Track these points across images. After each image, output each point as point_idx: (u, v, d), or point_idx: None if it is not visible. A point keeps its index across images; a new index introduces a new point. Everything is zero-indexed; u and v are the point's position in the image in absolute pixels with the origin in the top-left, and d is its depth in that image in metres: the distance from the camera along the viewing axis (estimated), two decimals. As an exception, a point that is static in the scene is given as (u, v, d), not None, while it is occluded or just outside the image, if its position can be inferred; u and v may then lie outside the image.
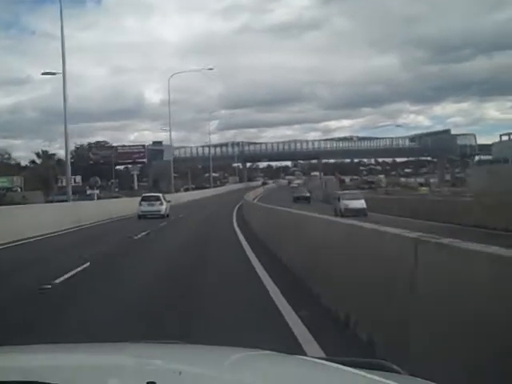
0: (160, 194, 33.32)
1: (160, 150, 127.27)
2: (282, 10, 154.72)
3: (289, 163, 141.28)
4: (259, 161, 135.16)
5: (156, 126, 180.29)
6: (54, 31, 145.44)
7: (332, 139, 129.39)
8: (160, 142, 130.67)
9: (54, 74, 28.97)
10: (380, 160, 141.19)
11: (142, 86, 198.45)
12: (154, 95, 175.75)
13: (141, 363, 1.83)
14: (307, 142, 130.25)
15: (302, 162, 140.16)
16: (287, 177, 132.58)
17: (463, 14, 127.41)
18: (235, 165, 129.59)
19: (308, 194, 50.22)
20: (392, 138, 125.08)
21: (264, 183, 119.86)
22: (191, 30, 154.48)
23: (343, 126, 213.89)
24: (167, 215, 30.48)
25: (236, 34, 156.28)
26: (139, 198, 31.97)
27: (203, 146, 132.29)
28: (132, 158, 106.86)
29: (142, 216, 29.37)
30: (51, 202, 48.38)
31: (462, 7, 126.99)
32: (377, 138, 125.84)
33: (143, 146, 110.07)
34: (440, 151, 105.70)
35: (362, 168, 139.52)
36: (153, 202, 30.72)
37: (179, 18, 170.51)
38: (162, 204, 30.75)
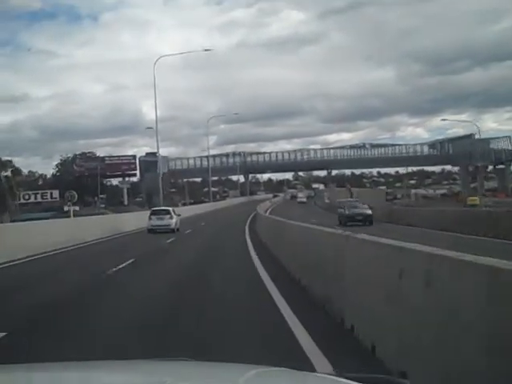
0: (170, 208, 33.17)
1: (154, 162, 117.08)
2: (278, 24, 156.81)
3: (290, 176, 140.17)
4: (263, 172, 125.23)
5: (154, 142, 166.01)
6: (50, 48, 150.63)
7: (342, 147, 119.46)
8: (154, 153, 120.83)
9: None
10: (382, 171, 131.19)
11: (140, 101, 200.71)
12: (151, 111, 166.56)
13: (150, 382, 1.87)
14: (315, 150, 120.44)
15: (302, 174, 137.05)
16: (289, 190, 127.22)
17: (459, 26, 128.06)
18: (235, 177, 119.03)
19: (369, 212, 34.13)
20: (408, 144, 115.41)
21: (275, 195, 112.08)
22: (188, 46, 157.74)
23: (342, 139, 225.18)
24: (177, 229, 30.12)
25: (233, 49, 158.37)
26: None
27: (201, 157, 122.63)
28: (121, 169, 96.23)
29: (151, 230, 29.34)
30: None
31: (458, 19, 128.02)
32: (392, 145, 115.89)
33: (133, 156, 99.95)
34: (465, 157, 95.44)
35: (364, 180, 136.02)
36: (162, 216, 30.52)
37: (176, 34, 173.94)
38: (171, 218, 30.52)
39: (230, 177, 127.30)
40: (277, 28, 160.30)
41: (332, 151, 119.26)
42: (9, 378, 1.83)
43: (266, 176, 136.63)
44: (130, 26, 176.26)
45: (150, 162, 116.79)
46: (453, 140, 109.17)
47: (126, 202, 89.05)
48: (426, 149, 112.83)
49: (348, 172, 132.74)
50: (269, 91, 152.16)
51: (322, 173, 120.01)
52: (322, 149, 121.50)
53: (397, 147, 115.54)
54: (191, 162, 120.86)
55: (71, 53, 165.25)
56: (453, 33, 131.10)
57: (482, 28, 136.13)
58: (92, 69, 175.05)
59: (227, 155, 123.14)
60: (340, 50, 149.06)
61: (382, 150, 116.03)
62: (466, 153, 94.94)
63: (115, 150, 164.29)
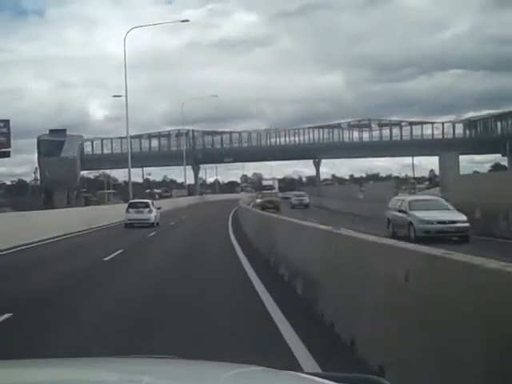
0: (149, 201, 32.01)
1: (59, 143, 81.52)
2: (230, 26, 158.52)
3: (239, 177, 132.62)
4: (219, 161, 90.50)
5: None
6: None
7: (336, 126, 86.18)
8: (64, 131, 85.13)
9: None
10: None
11: (87, 100, 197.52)
12: (98, 110, 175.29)
13: (126, 379, 1.90)
14: (297, 130, 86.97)
15: (251, 176, 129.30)
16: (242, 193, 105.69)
17: (406, 34, 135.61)
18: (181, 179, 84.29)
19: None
20: (436, 122, 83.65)
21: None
22: (137, 44, 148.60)
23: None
24: (157, 223, 28.96)
25: (183, 49, 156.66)
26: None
27: (131, 138, 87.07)
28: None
29: (129, 225, 28.20)
30: None
31: (405, 27, 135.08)
32: (410, 123, 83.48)
33: (5, 122, 62.01)
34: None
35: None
36: (141, 210, 29.21)
37: (124, 32, 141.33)
38: (150, 211, 29.24)
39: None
40: (228, 29, 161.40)
41: (321, 132, 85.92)
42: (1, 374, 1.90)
43: (210, 179, 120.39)
44: (76, 22, 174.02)
45: (53, 142, 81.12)
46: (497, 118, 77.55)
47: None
48: (460, 131, 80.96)
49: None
50: (217, 93, 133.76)
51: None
52: (306, 128, 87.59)
53: (414, 127, 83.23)
54: (117, 144, 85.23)
55: (16, 48, 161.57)
56: (400, 40, 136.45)
57: (428, 37, 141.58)
58: (37, 65, 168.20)
59: (167, 135, 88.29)
60: (290, 53, 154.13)
61: (396, 131, 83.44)
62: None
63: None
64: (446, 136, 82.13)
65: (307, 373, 2.12)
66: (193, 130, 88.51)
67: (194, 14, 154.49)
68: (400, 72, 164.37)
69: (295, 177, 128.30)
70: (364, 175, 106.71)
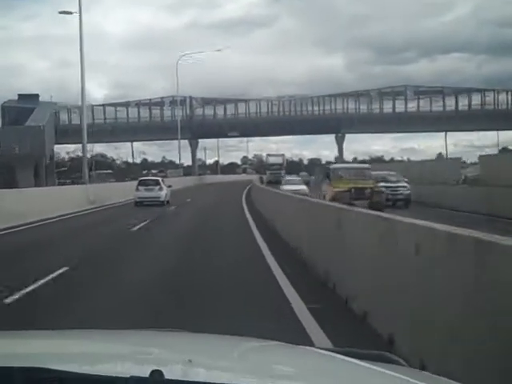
0: (159, 178, 31.59)
1: (29, 110, 67.75)
2: (231, 6, 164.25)
3: (239, 159, 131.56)
4: (225, 135, 76.85)
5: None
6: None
7: (362, 94, 72.50)
8: (35, 96, 71.37)
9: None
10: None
11: (86, 79, 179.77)
12: (97, 90, 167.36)
13: (145, 351, 1.87)
14: (316, 98, 73.22)
15: (251, 158, 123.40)
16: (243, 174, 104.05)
17: (407, 16, 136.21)
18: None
19: None
20: (484, 90, 69.95)
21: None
22: (135, 24, 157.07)
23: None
24: (167, 202, 28.80)
25: (183, 29, 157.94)
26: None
27: (115, 104, 74.03)
28: None
29: (139, 203, 27.80)
30: None
31: (407, 9, 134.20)
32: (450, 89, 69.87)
33: None
34: None
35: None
36: (151, 187, 28.88)
37: (123, 12, 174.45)
38: (161, 189, 28.92)
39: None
40: (229, 9, 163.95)
41: (345, 102, 72.13)
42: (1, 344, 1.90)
43: (210, 160, 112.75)
44: (75, 1, 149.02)
45: (21, 110, 67.40)
46: None
47: None
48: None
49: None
50: (217, 74, 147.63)
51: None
52: (327, 96, 73.64)
53: (463, 96, 69.47)
54: (99, 112, 71.56)
55: (13, 26, 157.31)
56: (401, 23, 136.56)
57: (429, 20, 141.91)
58: (35, 43, 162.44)
59: (161, 104, 74.62)
60: (291, 34, 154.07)
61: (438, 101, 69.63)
62: None
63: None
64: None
65: (320, 348, 2.18)
66: (190, 97, 74.63)
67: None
68: (401, 55, 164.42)
69: (295, 159, 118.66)
70: (367, 158, 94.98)
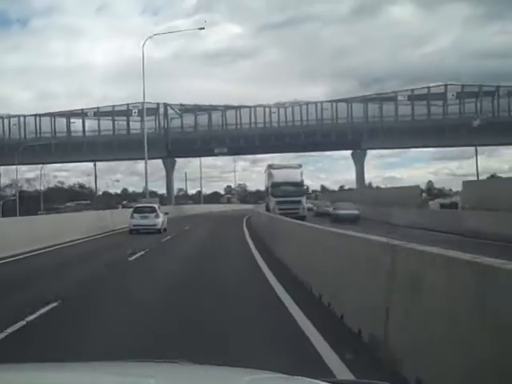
0: (156, 205, 30.33)
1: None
2: (215, 37, 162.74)
3: (222, 189, 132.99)
4: (211, 153, 60.61)
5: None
6: None
7: (392, 97, 57.19)
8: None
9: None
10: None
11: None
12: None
13: (143, 382, 1.94)
14: (320, 104, 57.93)
15: (234, 187, 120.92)
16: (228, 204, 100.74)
17: (389, 47, 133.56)
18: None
19: None
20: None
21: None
22: (122, 55, 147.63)
23: (274, 157, 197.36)
24: (164, 229, 27.89)
25: (168, 60, 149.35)
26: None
27: (71, 114, 58.79)
28: None
29: (134, 231, 27.05)
30: None
31: (388, 41, 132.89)
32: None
33: None
34: None
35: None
36: (147, 215, 27.87)
37: (109, 43, 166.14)
38: (157, 217, 28.04)
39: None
40: (214, 40, 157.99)
41: (364, 109, 56.90)
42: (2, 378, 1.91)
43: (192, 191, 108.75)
44: (60, 32, 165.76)
45: None
46: None
47: None
48: None
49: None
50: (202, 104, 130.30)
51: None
52: (342, 100, 58.31)
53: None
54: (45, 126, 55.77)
55: None
56: (383, 54, 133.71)
57: (410, 51, 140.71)
58: (21, 75, 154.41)
59: (127, 111, 58.93)
60: (275, 65, 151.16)
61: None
62: None
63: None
64: None
65: (322, 380, 2.11)
66: (166, 105, 58.65)
67: (180, 24, 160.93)
68: (383, 84, 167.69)
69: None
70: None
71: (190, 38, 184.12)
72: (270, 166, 40.26)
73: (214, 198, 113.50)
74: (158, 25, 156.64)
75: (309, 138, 56.08)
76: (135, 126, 57.75)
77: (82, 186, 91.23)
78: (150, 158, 45.07)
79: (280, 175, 37.27)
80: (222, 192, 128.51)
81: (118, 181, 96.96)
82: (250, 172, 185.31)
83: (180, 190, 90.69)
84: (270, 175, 38.84)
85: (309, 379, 1.99)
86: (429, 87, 57.60)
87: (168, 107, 57.84)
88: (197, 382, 1.89)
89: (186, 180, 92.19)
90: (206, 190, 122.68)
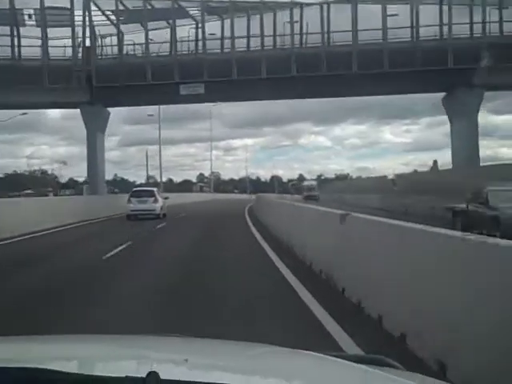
0: (154, 189, 29.98)
1: None
2: None
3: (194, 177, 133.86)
4: (176, 99, 34.95)
5: (56, 141, 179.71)
6: None
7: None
8: None
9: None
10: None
11: None
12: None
13: (142, 354, 1.91)
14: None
15: (208, 176, 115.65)
16: (200, 193, 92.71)
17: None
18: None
19: None
20: None
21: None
22: None
23: (246, 145, 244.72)
24: (164, 215, 27.66)
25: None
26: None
27: None
28: None
29: (132, 216, 26.52)
30: None
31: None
32: None
33: None
34: None
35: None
36: (145, 199, 27.47)
37: None
38: (156, 201, 27.73)
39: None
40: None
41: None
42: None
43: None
44: None
45: None
46: None
47: None
48: None
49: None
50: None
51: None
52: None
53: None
54: None
55: None
56: None
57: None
58: None
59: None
60: None
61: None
62: None
63: (9, 148, 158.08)
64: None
65: (315, 352, 2.11)
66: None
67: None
68: None
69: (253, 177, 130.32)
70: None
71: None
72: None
73: (186, 186, 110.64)
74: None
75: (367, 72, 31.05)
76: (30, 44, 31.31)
77: (43, 172, 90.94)
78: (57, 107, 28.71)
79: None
80: (194, 180, 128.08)
81: (64, 163, 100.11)
82: (223, 161, 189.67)
83: (151, 176, 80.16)
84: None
85: (313, 353, 1.98)
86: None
87: (91, 3, 31.31)
88: (194, 351, 1.86)
89: (146, 159, 73.20)
90: (177, 179, 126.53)
